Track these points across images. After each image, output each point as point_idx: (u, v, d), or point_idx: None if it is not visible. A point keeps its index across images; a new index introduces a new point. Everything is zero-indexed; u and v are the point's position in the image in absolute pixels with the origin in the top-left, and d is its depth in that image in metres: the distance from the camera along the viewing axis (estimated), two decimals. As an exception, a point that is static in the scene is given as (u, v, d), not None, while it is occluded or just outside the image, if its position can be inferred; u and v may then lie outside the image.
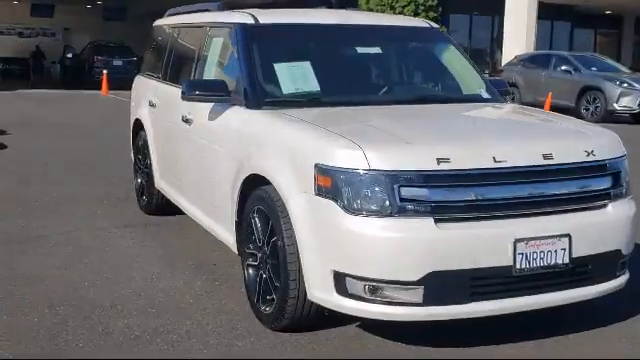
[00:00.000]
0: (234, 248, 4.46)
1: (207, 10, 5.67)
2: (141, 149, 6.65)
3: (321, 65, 4.62)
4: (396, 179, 3.34)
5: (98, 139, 11.95)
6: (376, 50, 4.90)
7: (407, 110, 4.40)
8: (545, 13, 25.23)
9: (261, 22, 4.80)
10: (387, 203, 3.34)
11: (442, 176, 3.38)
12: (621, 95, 17.18)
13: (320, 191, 3.49)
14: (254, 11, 4.93)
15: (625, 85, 17.31)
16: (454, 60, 5.12)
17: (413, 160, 3.38)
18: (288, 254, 3.66)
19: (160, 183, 6.18)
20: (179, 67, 5.91)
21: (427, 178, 3.36)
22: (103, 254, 5.47)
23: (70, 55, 30.69)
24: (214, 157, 4.64)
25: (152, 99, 6.26)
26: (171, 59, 6.08)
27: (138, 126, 6.73)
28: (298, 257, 3.63)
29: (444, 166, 3.37)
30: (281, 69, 4.51)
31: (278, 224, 3.73)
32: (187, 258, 5.38)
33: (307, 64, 4.57)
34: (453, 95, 4.84)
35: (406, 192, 3.34)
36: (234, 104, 4.49)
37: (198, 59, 5.31)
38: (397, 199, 3.33)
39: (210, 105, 4.69)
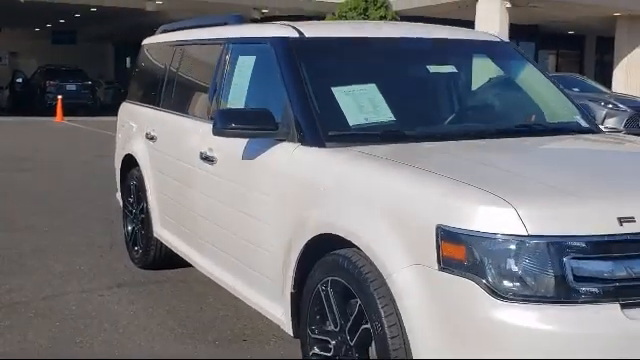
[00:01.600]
0: (287, 328, 3.41)
1: (225, 23, 4.64)
2: (134, 191, 5.56)
3: (388, 88, 3.65)
4: (565, 249, 2.36)
5: (64, 173, 10.72)
6: (450, 69, 3.95)
7: (522, 146, 3.44)
8: (511, 34, 24.82)
9: (307, 36, 3.80)
10: (554, 283, 2.35)
11: (628, 242, 2.41)
12: (607, 116, 16.58)
13: (447, 265, 2.48)
14: (294, 23, 3.93)
15: (610, 106, 16.76)
16: (536, 81, 4.20)
17: (587, 221, 2.40)
18: (391, 350, 2.64)
19: (161, 232, 5.09)
20: (187, 93, 4.87)
21: (608, 246, 2.39)
22: (99, 328, 4.35)
23: (20, 80, 29.06)
24: (255, 207, 3.60)
25: (150, 131, 5.18)
26: (174, 84, 5.03)
27: (129, 163, 5.63)
28: (407, 353, 2.62)
29: (629, 228, 2.40)
30: (342, 94, 3.51)
31: (373, 306, 2.71)
32: (206, 330, 4.30)
33: (373, 87, 3.59)
34: (552, 125, 3.90)
35: (580, 267, 2.36)
36: (281, 139, 3.47)
37: (217, 83, 4.27)
38: (568, 277, 2.35)
39: (244, 140, 3.66)
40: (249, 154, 3.68)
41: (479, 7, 22.95)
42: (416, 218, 2.60)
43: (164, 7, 26.78)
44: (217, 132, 3.53)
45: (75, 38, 39.26)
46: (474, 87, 4.11)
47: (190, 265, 4.87)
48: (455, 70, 3.96)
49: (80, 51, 39.02)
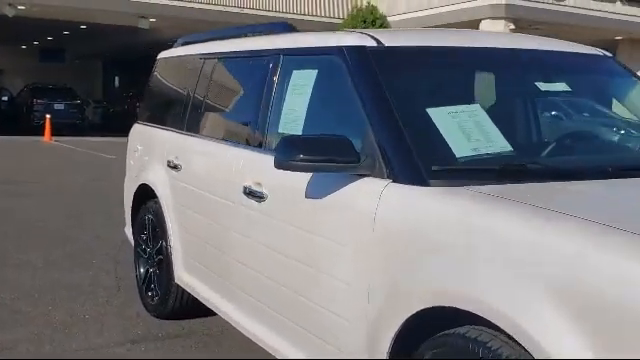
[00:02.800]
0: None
1: (270, 32, 3.89)
2: (149, 227, 4.77)
3: (494, 110, 2.90)
4: None
5: (59, 198, 9.88)
6: (562, 87, 3.20)
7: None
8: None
9: (386, 45, 3.05)
10: None
11: None
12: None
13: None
14: (367, 30, 3.19)
15: (622, 132, 16.14)
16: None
17: None
18: None
19: (185, 278, 4.31)
20: (222, 115, 4.13)
21: None
22: (116, 401, 3.55)
23: (5, 98, 28.16)
24: (324, 260, 2.83)
25: (172, 159, 4.40)
26: (204, 104, 4.27)
27: (144, 194, 4.85)
28: None
29: None
30: (440, 117, 2.75)
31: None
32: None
33: (477, 108, 2.84)
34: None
35: None
36: (363, 174, 2.71)
37: (264, 103, 3.52)
38: None
39: (306, 175, 2.89)
40: (315, 191, 2.91)
41: (482, 28, 22.39)
42: (605, 296, 1.84)
43: (157, 25, 26.01)
44: (281, 165, 2.76)
45: (63, 56, 38.49)
46: (590, 109, 3.37)
47: (213, 313, 4.11)
48: (569, 88, 3.21)
49: (68, 69, 38.23)
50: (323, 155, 2.69)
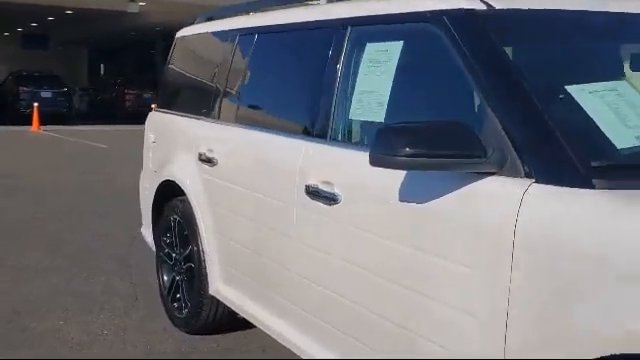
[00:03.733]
0: None
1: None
2: (175, 229, 4.15)
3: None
4: None
5: (52, 194, 9.20)
6: None
7: None
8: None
9: (498, 8, 2.44)
10: None
11: None
12: None
13: None
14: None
15: None
16: None
17: None
18: None
19: (222, 289, 3.70)
20: (271, 100, 3.51)
21: None
22: None
23: (-11, 86, 27.25)
24: (433, 283, 2.23)
25: (205, 152, 3.78)
26: (243, 88, 3.64)
27: (168, 192, 4.23)
28: None
29: None
30: (585, 97, 2.15)
31: None
32: None
33: (625, 85, 2.24)
34: None
35: None
36: (486, 172, 2.11)
37: (328, 85, 2.90)
38: None
39: (396, 172, 2.28)
40: (417, 194, 2.30)
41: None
42: None
43: (146, 8, 25.24)
44: (380, 161, 2.15)
45: (47, 43, 37.53)
46: None
47: (250, 326, 3.54)
48: None
49: (52, 56, 37.28)
50: (437, 148, 2.09)
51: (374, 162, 2.18)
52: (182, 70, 4.59)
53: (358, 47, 2.85)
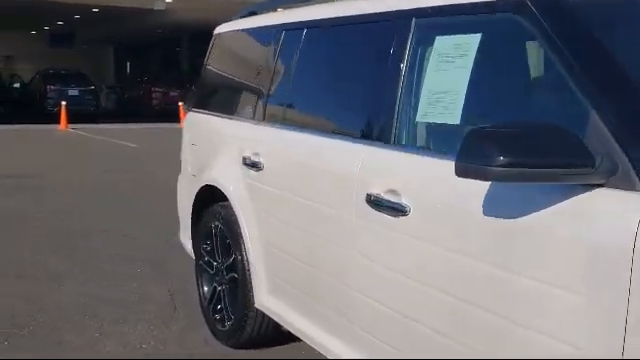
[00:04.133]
0: None
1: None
2: (217, 237, 3.92)
3: None
4: None
5: (80, 193, 9.04)
6: None
7: None
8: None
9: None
10: None
11: None
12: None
13: None
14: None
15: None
16: None
17: None
18: None
19: (269, 302, 3.47)
20: (323, 101, 3.24)
21: None
22: None
23: (17, 85, 27.30)
24: (539, 313, 1.96)
25: (250, 155, 3.54)
26: (292, 87, 3.39)
27: (209, 197, 4.00)
28: None
29: None
30: None
31: None
32: None
33: None
34: None
35: None
36: (595, 185, 1.84)
37: (392, 83, 2.64)
38: None
39: (483, 183, 2.01)
40: (504, 206, 2.04)
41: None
42: None
43: (173, 6, 25.12)
44: (470, 172, 1.89)
45: (73, 41, 37.60)
46: None
47: (296, 339, 3.31)
48: None
49: (78, 55, 37.38)
50: (538, 157, 1.82)
51: (461, 172, 1.91)
52: (222, 68, 4.35)
53: (425, 41, 2.59)
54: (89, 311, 4.48)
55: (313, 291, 3.09)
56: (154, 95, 27.97)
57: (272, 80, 3.56)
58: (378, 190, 2.55)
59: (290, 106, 3.40)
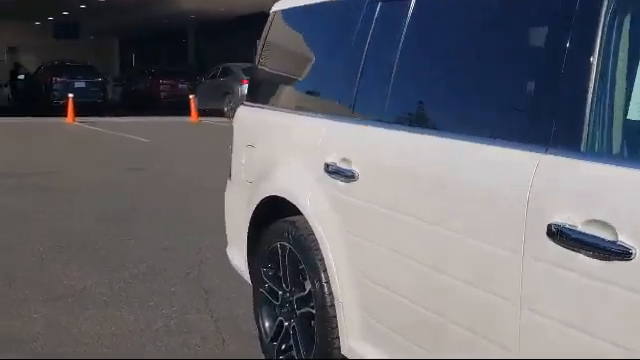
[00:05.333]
0: None
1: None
2: (286, 261, 3.17)
3: None
4: None
5: (95, 195, 8.29)
6: None
7: None
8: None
9: None
10: None
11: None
12: None
13: None
14: None
15: None
16: None
17: None
18: None
19: (360, 349, 2.72)
20: (451, 91, 2.46)
21: None
22: None
23: (22, 76, 26.51)
24: None
25: (336, 161, 2.79)
26: (397, 70, 2.62)
27: (272, 209, 3.24)
28: None
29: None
30: None
31: None
32: None
33: None
34: None
35: None
36: None
37: (586, 68, 1.88)
38: None
39: None
40: None
41: None
42: None
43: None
44: None
45: (78, 32, 36.84)
46: None
47: None
48: None
49: (83, 46, 36.65)
50: None
51: None
52: (287, 53, 3.59)
53: (620, 13, 1.83)
54: (122, 342, 3.74)
55: (429, 341, 2.34)
56: (162, 87, 27.17)
57: (363, 64, 2.79)
58: (571, 220, 1.79)
59: (398, 97, 2.62)
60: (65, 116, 19.79)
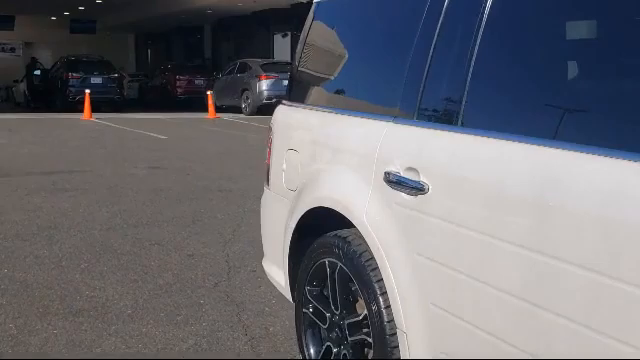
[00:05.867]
0: None
1: None
2: (336, 281, 2.82)
3: None
4: None
5: (116, 196, 7.97)
6: None
7: None
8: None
9: None
10: None
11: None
12: None
13: None
14: None
15: None
16: None
17: None
18: None
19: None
20: (561, 87, 2.10)
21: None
22: None
23: (38, 72, 26.29)
24: None
25: (400, 170, 2.44)
26: (477, 64, 2.26)
27: (318, 221, 2.90)
28: None
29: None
30: None
31: None
32: None
33: None
34: None
35: None
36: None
37: None
38: None
39: None
40: None
41: None
42: None
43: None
44: None
45: (94, 27, 36.62)
46: None
47: None
48: None
49: (99, 42, 36.42)
50: None
51: None
52: (334, 45, 3.24)
53: None
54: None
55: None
56: (178, 84, 26.90)
57: (432, 56, 2.44)
58: None
59: (479, 95, 2.26)
60: (82, 112, 19.55)
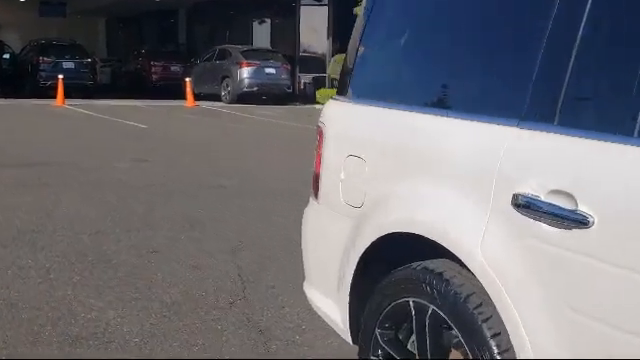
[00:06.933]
0: None
1: None
2: (428, 327, 2.20)
3: None
4: None
5: (99, 192, 7.28)
6: None
7: None
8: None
9: None
10: None
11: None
12: None
13: None
14: None
15: None
16: None
17: None
18: None
19: None
20: None
21: None
22: None
23: (7, 56, 25.20)
24: None
25: (539, 193, 1.83)
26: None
27: (397, 249, 2.29)
28: None
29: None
30: None
31: None
32: None
33: None
34: None
35: None
36: None
37: None
38: None
39: None
40: None
41: None
42: None
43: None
44: None
45: (64, 11, 35.40)
46: None
47: None
48: None
49: (69, 25, 35.27)
50: None
51: None
52: (424, 23, 2.59)
53: None
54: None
55: None
56: (154, 70, 26.01)
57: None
58: None
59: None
60: (53, 98, 18.67)
